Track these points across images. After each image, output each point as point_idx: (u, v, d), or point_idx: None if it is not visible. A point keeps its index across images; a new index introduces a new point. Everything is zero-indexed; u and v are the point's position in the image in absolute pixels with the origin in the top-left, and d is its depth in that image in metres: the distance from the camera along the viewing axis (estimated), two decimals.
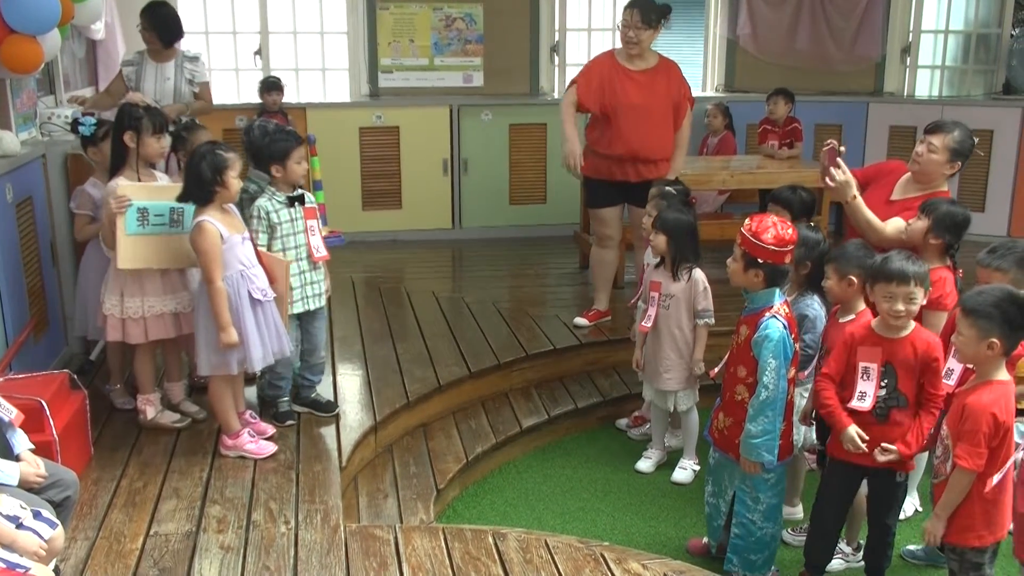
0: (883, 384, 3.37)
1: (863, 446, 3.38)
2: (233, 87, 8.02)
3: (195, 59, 5.75)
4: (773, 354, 3.43)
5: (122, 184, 3.93)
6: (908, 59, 8.45)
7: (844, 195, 4.02)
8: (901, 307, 3.28)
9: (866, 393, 3.38)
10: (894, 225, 4.01)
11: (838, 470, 3.57)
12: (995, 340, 2.98)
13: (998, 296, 3.02)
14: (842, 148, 4.13)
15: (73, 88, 6.34)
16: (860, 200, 4.02)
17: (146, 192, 3.94)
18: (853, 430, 3.38)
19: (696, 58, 8.62)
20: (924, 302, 3.33)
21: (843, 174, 4.02)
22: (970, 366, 3.19)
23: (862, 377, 3.40)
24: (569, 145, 5.44)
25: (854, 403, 3.40)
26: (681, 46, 8.36)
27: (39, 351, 4.50)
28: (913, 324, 3.35)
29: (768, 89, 7.63)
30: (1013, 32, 8.14)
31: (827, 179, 4.03)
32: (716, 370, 3.88)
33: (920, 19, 8.38)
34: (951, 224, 3.77)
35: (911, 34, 8.41)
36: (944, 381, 3.33)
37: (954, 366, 3.49)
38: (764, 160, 7.07)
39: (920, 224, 3.81)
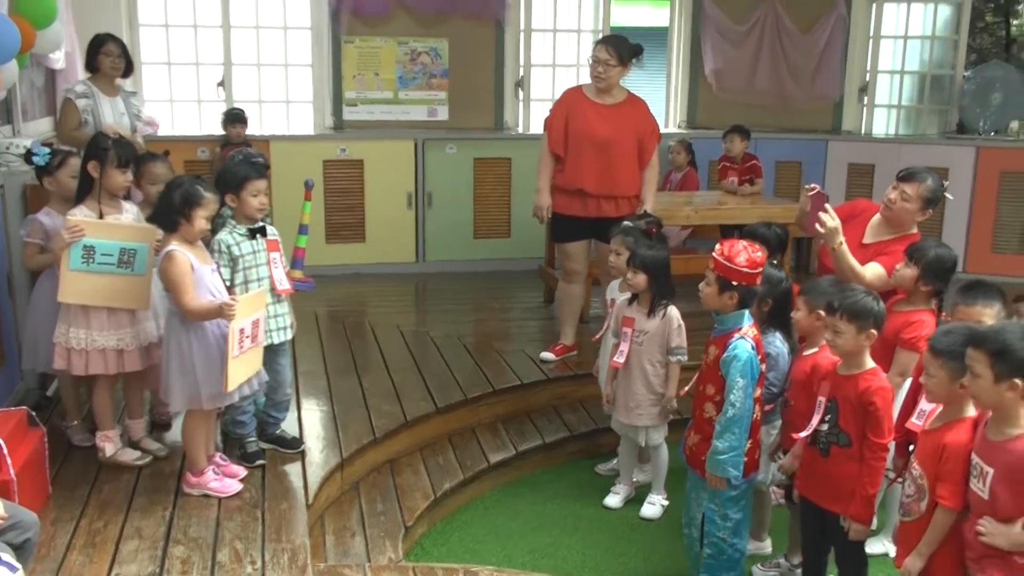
0: (825, 419, 3.41)
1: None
2: (195, 118, 7.94)
3: (134, 93, 5.73)
4: (741, 373, 3.51)
5: (77, 215, 3.87)
6: (865, 98, 8.61)
7: (832, 241, 4.03)
8: (828, 335, 3.38)
9: (812, 424, 3.45)
10: (873, 271, 4.06)
11: (803, 504, 3.62)
12: (965, 380, 2.99)
13: (965, 335, 3.04)
14: (827, 193, 4.17)
15: (31, 118, 6.24)
16: (846, 247, 4.04)
17: (103, 229, 3.87)
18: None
19: (658, 95, 8.71)
20: (860, 339, 3.33)
21: (832, 220, 4.03)
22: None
23: (816, 410, 3.47)
24: (539, 197, 5.50)
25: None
26: (642, 84, 8.45)
27: None
28: (869, 364, 3.38)
29: (730, 126, 7.74)
30: (966, 73, 8.33)
31: (816, 225, 4.04)
32: (685, 390, 4.01)
33: (877, 59, 8.58)
34: (939, 270, 3.81)
35: (868, 74, 8.59)
36: (914, 421, 3.33)
37: (925, 407, 3.51)
38: (726, 196, 7.14)
39: (909, 272, 3.83)
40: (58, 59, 6.34)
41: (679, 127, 8.61)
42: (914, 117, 8.73)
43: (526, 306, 6.96)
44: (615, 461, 4.88)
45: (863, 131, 8.63)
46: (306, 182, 4.67)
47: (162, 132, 7.34)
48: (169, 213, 3.66)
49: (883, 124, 8.76)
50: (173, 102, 7.91)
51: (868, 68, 8.59)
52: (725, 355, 3.55)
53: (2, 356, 4.51)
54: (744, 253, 3.52)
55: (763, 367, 3.62)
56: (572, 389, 5.45)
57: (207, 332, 3.70)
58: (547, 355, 5.64)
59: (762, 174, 7.29)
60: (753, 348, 3.54)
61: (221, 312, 3.62)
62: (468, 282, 7.59)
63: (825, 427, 3.42)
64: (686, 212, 6.63)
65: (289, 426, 4.44)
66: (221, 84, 7.87)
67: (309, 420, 4.66)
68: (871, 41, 8.56)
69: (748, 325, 3.60)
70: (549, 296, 6.87)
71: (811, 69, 8.43)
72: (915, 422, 3.31)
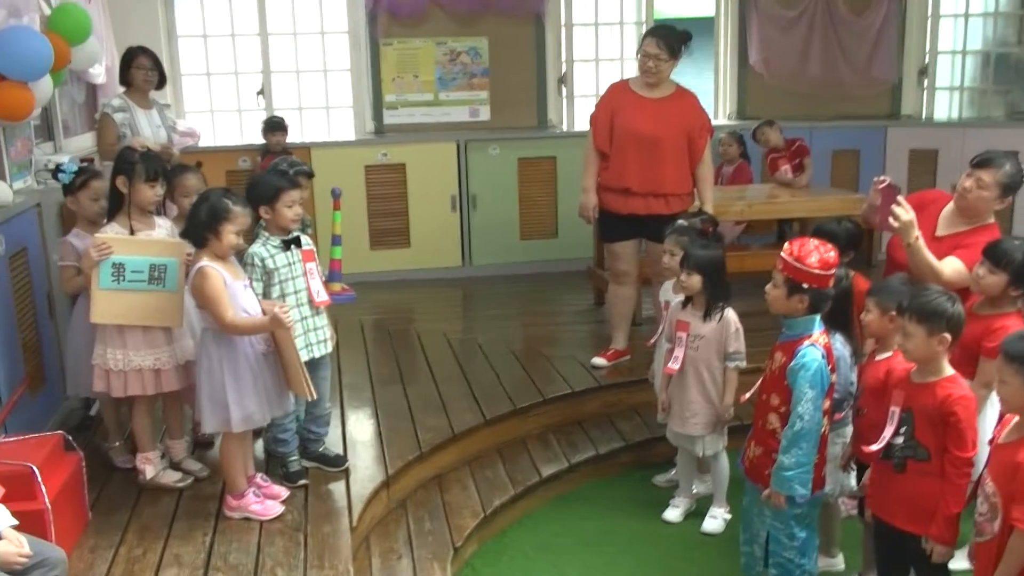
0: (900, 431, 3.16)
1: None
2: (236, 128, 7.86)
3: (168, 106, 5.65)
4: (810, 383, 3.28)
5: (108, 232, 3.76)
6: (925, 81, 8.27)
7: (908, 236, 3.77)
8: (898, 339, 3.15)
9: (884, 436, 3.19)
10: (952, 267, 3.79)
11: (876, 523, 3.38)
12: None
13: None
14: (898, 186, 3.91)
15: (73, 133, 6.19)
16: (922, 241, 3.78)
17: (131, 245, 3.77)
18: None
19: (706, 86, 8.44)
20: (931, 344, 3.08)
21: (907, 213, 3.76)
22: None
23: (888, 420, 3.21)
24: (585, 197, 5.31)
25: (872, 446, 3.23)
26: (689, 76, 8.20)
27: (36, 408, 4.30)
28: (948, 371, 3.13)
29: (782, 116, 7.47)
30: None
31: (889, 219, 3.78)
32: (746, 396, 3.74)
33: (936, 39, 8.22)
34: None
35: (927, 55, 8.24)
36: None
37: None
38: (779, 188, 6.88)
39: (995, 279, 3.54)
40: (98, 74, 6.29)
41: (729, 118, 8.34)
42: (978, 99, 8.36)
43: (575, 309, 6.76)
44: (673, 472, 4.67)
45: (924, 115, 8.28)
46: (333, 191, 4.52)
47: (203, 143, 7.30)
48: (197, 228, 3.54)
49: (945, 107, 8.41)
50: (213, 112, 7.84)
51: (927, 49, 8.23)
52: (793, 363, 3.32)
53: (42, 379, 4.44)
54: (815, 253, 3.29)
55: (833, 377, 3.39)
56: (625, 396, 5.24)
57: (238, 352, 3.57)
58: (598, 360, 5.44)
59: (809, 152, 7.02)
60: (823, 357, 3.31)
61: (275, 323, 3.48)
62: (515, 285, 7.41)
63: (900, 440, 3.16)
64: (739, 207, 6.38)
65: (333, 442, 4.31)
66: (261, 92, 7.79)
67: (353, 435, 4.52)
68: (929, 20, 8.19)
69: (819, 332, 3.37)
70: (599, 298, 6.68)
71: (866, 52, 8.09)
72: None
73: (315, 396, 3.71)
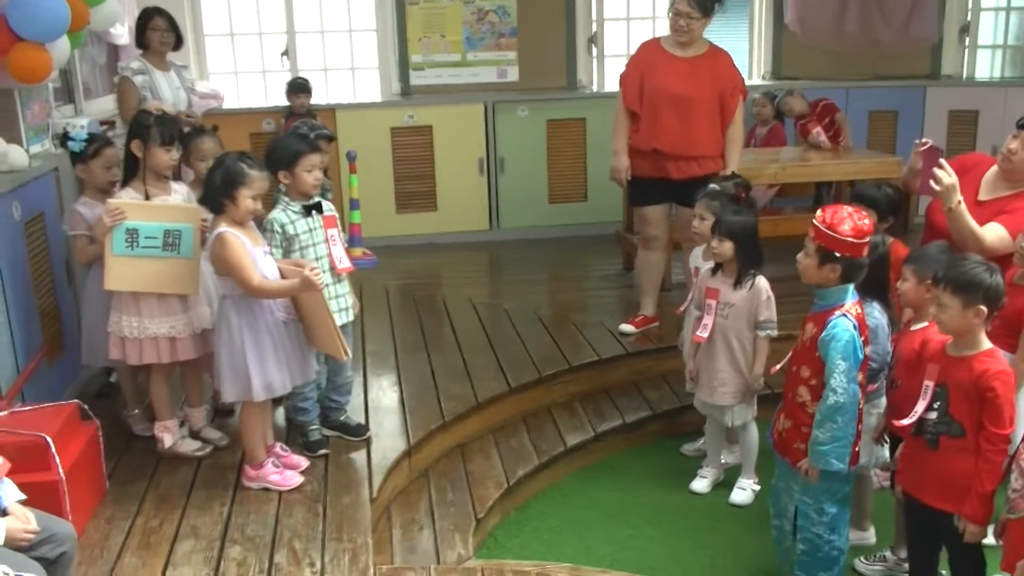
0: (934, 406, 3.02)
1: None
2: (260, 89, 7.76)
3: (185, 67, 5.58)
4: (842, 355, 3.16)
5: (123, 197, 3.69)
6: (967, 39, 7.99)
7: (949, 200, 3.61)
8: (933, 310, 3.01)
9: (916, 411, 3.06)
10: (995, 233, 3.63)
11: (907, 500, 3.27)
12: None
13: None
14: (940, 147, 3.74)
15: (94, 96, 6.13)
16: (964, 206, 3.63)
17: (145, 211, 3.69)
18: None
19: (740, 45, 8.22)
20: (967, 316, 2.93)
21: (948, 176, 3.61)
22: None
23: (922, 395, 3.08)
24: (616, 159, 5.17)
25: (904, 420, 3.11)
26: (723, 35, 7.99)
27: (54, 377, 4.25)
28: (985, 345, 2.99)
29: (818, 76, 7.26)
30: None
31: (931, 183, 3.63)
32: (777, 368, 3.62)
33: None
34: None
35: (970, 12, 7.95)
36: None
37: None
38: (813, 151, 6.68)
39: None
40: (120, 34, 6.20)
41: (763, 79, 8.11)
42: (1021, 58, 8.07)
43: (604, 274, 6.63)
44: (702, 441, 4.56)
45: (964, 75, 8.01)
46: (348, 154, 4.41)
47: (227, 104, 7.22)
48: (213, 194, 3.45)
49: (987, 67, 8.12)
50: (237, 74, 7.73)
51: (969, 6, 7.95)
52: (823, 335, 3.19)
53: (61, 347, 4.39)
54: (849, 221, 3.14)
55: (866, 349, 3.25)
56: (653, 363, 5.13)
57: (259, 320, 3.50)
58: (627, 327, 5.32)
59: (838, 108, 6.81)
60: (856, 328, 3.17)
61: (306, 285, 3.39)
62: (543, 249, 7.29)
63: (933, 415, 3.03)
64: (772, 170, 6.21)
65: (355, 411, 4.24)
66: (285, 53, 7.67)
67: (376, 404, 4.44)
68: None
69: (852, 302, 3.22)
70: (628, 263, 6.55)
71: (905, 10, 7.79)
72: None
73: (350, 355, 3.63)
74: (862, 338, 3.22)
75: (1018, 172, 3.78)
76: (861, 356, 3.21)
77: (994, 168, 3.90)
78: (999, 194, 3.83)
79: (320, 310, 3.49)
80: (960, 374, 2.98)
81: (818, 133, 6.70)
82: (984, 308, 2.92)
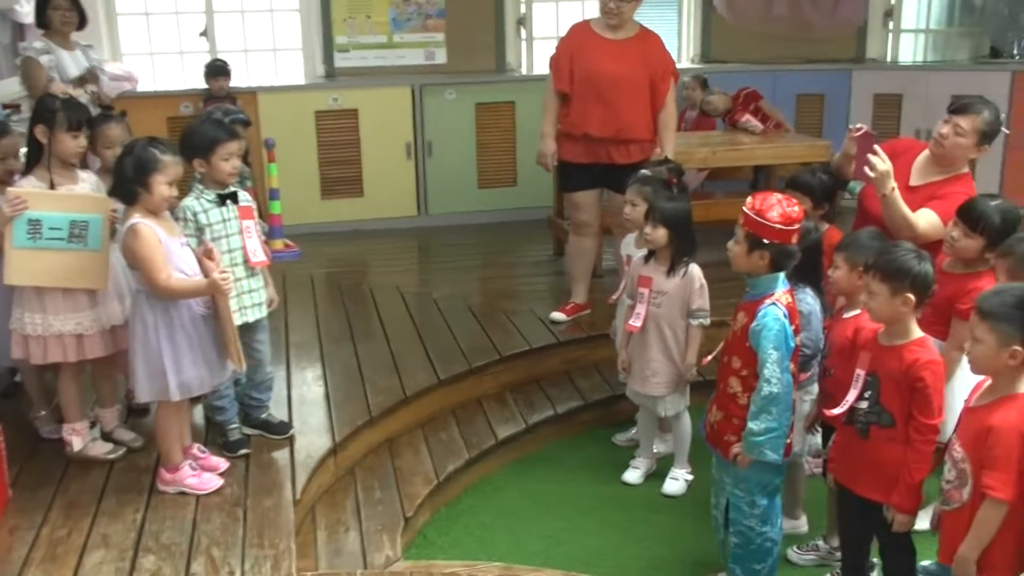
0: (865, 395, 3.00)
1: None
2: (178, 71, 7.48)
3: (91, 46, 5.31)
4: (774, 345, 3.10)
5: (25, 186, 3.47)
6: (891, 23, 8.05)
7: (883, 187, 3.58)
8: (863, 297, 3.00)
9: (848, 400, 3.04)
10: (927, 220, 3.62)
11: (839, 490, 3.24)
12: (1018, 348, 2.57)
13: (1019, 295, 2.61)
14: (874, 132, 3.71)
15: None
16: (898, 193, 3.60)
17: (49, 200, 3.47)
18: None
19: (669, 28, 8.16)
20: (895, 304, 2.91)
21: (883, 163, 3.58)
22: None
23: (853, 384, 3.05)
24: (543, 143, 5.07)
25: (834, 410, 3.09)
26: (651, 16, 7.92)
27: None
28: (916, 334, 2.96)
29: (747, 59, 7.24)
30: None
31: (865, 169, 3.60)
32: (709, 358, 3.57)
33: None
34: (1008, 234, 3.30)
35: None
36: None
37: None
38: (745, 135, 6.66)
39: (972, 243, 3.36)
40: (27, 12, 5.90)
41: (692, 62, 8.07)
42: (942, 42, 8.16)
43: (534, 260, 6.54)
44: (634, 431, 4.50)
45: (889, 59, 8.08)
46: (266, 142, 4.23)
47: (142, 87, 6.93)
48: (124, 184, 3.26)
49: (910, 51, 8.20)
50: (153, 55, 7.44)
51: None
52: (754, 324, 3.13)
53: None
54: (778, 207, 3.08)
55: (799, 337, 3.20)
56: (585, 352, 5.05)
57: (175, 315, 3.31)
58: (557, 315, 5.24)
59: (761, 96, 6.78)
60: (786, 316, 3.12)
61: (213, 288, 3.24)
62: (473, 235, 7.16)
63: (864, 404, 3.01)
64: (703, 154, 6.15)
65: (278, 406, 4.08)
66: (204, 34, 7.39)
67: (299, 399, 4.29)
68: None
69: (782, 291, 3.16)
70: (559, 248, 6.46)
71: None
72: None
73: (243, 368, 3.47)
74: (793, 327, 3.17)
75: (949, 157, 3.77)
76: (793, 345, 3.16)
77: (925, 153, 3.89)
78: (930, 179, 3.82)
79: (223, 313, 3.34)
80: (890, 363, 2.95)
81: (747, 120, 6.67)
82: (912, 296, 2.89)
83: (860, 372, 3.04)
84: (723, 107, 6.81)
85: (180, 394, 3.37)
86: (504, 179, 7.56)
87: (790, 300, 3.20)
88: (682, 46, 8.19)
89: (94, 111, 4.22)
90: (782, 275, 3.19)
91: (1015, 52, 7.59)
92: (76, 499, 3.44)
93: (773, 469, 3.28)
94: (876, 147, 3.60)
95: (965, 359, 3.30)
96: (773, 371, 3.09)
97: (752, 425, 3.17)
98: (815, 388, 3.54)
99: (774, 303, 3.14)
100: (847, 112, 7.65)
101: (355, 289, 5.90)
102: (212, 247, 3.40)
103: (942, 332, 3.43)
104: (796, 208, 3.13)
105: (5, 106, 5.06)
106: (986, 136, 3.72)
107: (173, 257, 3.31)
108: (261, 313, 3.73)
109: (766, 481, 3.30)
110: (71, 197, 3.54)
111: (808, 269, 3.45)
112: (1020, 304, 2.56)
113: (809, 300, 3.48)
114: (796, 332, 3.20)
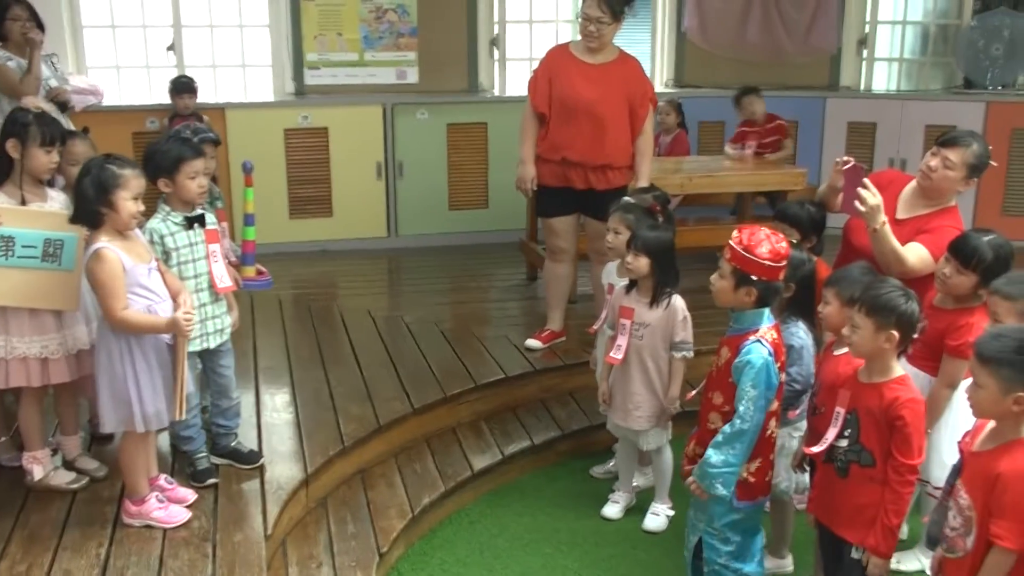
0: (845, 433, 2.95)
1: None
2: (144, 86, 7.31)
3: (54, 55, 5.17)
4: (753, 382, 3.04)
5: None
6: (865, 51, 8.09)
7: (874, 220, 3.53)
8: (847, 330, 2.93)
9: (827, 438, 2.98)
10: (917, 254, 3.58)
11: (819, 529, 3.18)
12: (1022, 394, 2.51)
13: (1019, 340, 2.55)
14: (864, 165, 3.67)
15: None
16: (888, 228, 3.56)
17: (24, 217, 3.33)
18: None
19: (642, 50, 8.13)
20: (878, 340, 2.86)
21: (874, 197, 3.53)
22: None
23: (833, 421, 3.00)
24: (523, 168, 4.99)
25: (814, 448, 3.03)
26: (623, 38, 7.89)
27: None
28: (896, 372, 2.92)
29: (721, 84, 7.21)
30: (972, 23, 7.80)
31: (856, 203, 3.54)
32: (693, 393, 3.50)
33: (877, 9, 8.04)
34: (1002, 271, 3.26)
35: (868, 25, 8.05)
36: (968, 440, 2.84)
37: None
38: (728, 161, 6.64)
39: (965, 280, 3.31)
40: None
41: (666, 86, 8.05)
42: (916, 71, 8.22)
43: (507, 284, 6.44)
44: (612, 463, 4.42)
45: (862, 87, 8.11)
46: (244, 165, 4.10)
47: (107, 101, 6.75)
48: (87, 206, 3.12)
49: (884, 79, 8.25)
50: (119, 68, 7.27)
51: (868, 19, 8.04)
52: (737, 360, 3.07)
53: None
54: (767, 243, 3.02)
55: (782, 376, 3.15)
56: (561, 380, 4.96)
57: (141, 341, 3.18)
58: (533, 342, 5.14)
59: (788, 134, 6.76)
60: (771, 355, 3.06)
61: (173, 327, 3.12)
62: (444, 257, 7.05)
63: (844, 443, 2.95)
64: (678, 180, 6.09)
65: (246, 434, 3.94)
66: (171, 48, 7.24)
67: (269, 427, 4.15)
68: None
69: (767, 326, 3.11)
70: (532, 272, 6.38)
71: (806, 21, 7.84)
72: (968, 442, 2.82)
73: (182, 417, 3.31)
74: (778, 363, 3.11)
75: (937, 189, 3.74)
76: (776, 382, 3.11)
77: (911, 185, 3.86)
78: (918, 212, 3.78)
79: (178, 355, 3.21)
80: (870, 401, 2.90)
81: (750, 147, 6.61)
82: (896, 333, 2.84)
83: (840, 410, 2.99)
84: (759, 113, 6.78)
85: (145, 425, 3.23)
86: (476, 201, 7.47)
87: (775, 336, 3.14)
88: (655, 69, 8.17)
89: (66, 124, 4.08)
90: (767, 311, 3.13)
91: (987, 83, 7.65)
92: (36, 532, 3.29)
93: (750, 508, 3.23)
94: (866, 180, 3.55)
95: (955, 397, 3.29)
96: (747, 408, 3.04)
97: (711, 454, 3.11)
98: (803, 425, 3.47)
99: (759, 340, 3.08)
100: (821, 139, 7.66)
101: (325, 311, 5.77)
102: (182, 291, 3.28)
103: (932, 368, 3.38)
104: (784, 244, 3.08)
105: None
106: (975, 169, 3.69)
107: (139, 282, 3.17)
108: (224, 337, 3.61)
109: (738, 520, 3.23)
110: (46, 214, 3.40)
111: (801, 302, 3.40)
112: (1021, 349, 2.50)
113: (801, 334, 3.42)
114: (781, 369, 3.14)
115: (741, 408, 3.06)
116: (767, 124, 6.79)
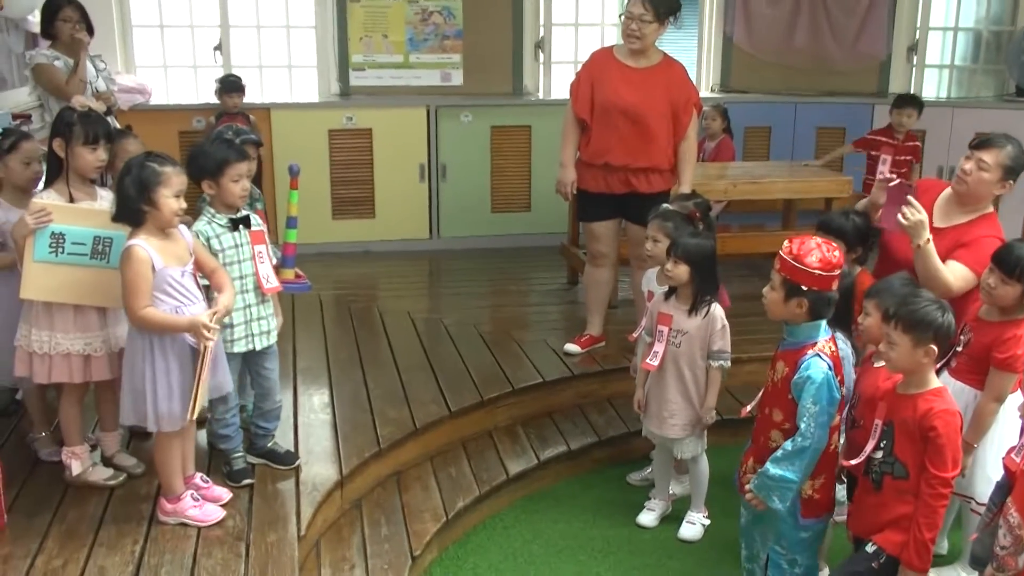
0: (881, 445, 2.89)
1: None
2: (191, 85, 7.39)
3: (99, 56, 5.23)
4: (814, 399, 2.98)
5: (43, 199, 3.36)
6: (915, 58, 7.96)
7: (918, 237, 3.47)
8: (883, 346, 2.88)
9: (866, 450, 2.94)
10: (958, 275, 3.50)
11: (856, 543, 3.12)
12: None
13: None
14: (911, 183, 3.61)
15: (9, 87, 5.74)
16: (932, 245, 3.49)
17: (72, 214, 3.36)
18: None
19: (688, 56, 8.08)
20: (917, 355, 2.80)
21: (917, 213, 3.47)
22: None
23: (872, 433, 2.95)
24: (563, 172, 4.96)
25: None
26: (670, 44, 7.83)
27: None
28: (933, 384, 2.86)
29: (767, 89, 7.11)
30: None
31: (899, 217, 3.48)
32: (748, 408, 3.40)
33: (928, 15, 7.90)
34: None
35: (918, 31, 7.92)
36: (1013, 457, 2.76)
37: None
38: (771, 168, 6.54)
39: (1010, 290, 3.23)
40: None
41: (712, 91, 7.98)
42: (967, 78, 8.07)
43: (547, 288, 6.41)
44: (648, 470, 4.38)
45: (912, 94, 7.96)
46: (290, 168, 4.10)
47: (155, 100, 6.87)
48: (129, 206, 3.13)
49: (934, 86, 8.11)
50: (167, 68, 7.36)
51: (918, 25, 7.91)
52: (797, 376, 3.00)
53: None
54: (817, 252, 2.95)
55: (843, 390, 3.08)
56: (599, 386, 4.93)
57: (166, 342, 3.19)
58: (572, 347, 5.11)
59: (920, 158, 6.51)
60: (831, 368, 2.99)
61: (192, 327, 3.13)
62: (485, 260, 7.05)
63: (879, 454, 2.90)
64: (722, 186, 6.04)
65: (283, 435, 3.95)
66: (218, 48, 7.31)
67: (306, 427, 4.16)
68: None
69: (824, 339, 3.04)
70: (572, 277, 6.35)
71: (855, 27, 7.75)
72: (1013, 458, 2.75)
73: (192, 420, 3.30)
74: (839, 377, 3.05)
75: (973, 194, 3.67)
76: (838, 397, 3.04)
77: (947, 192, 3.79)
78: (955, 221, 3.71)
79: (199, 357, 3.20)
80: (904, 412, 2.85)
81: (885, 160, 6.35)
82: (935, 347, 2.79)
83: (878, 421, 2.94)
84: (907, 126, 6.53)
85: (157, 425, 3.24)
86: (518, 204, 7.45)
87: (834, 349, 3.08)
88: (701, 75, 8.10)
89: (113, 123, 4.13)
90: (823, 323, 3.06)
91: None
92: (73, 528, 3.32)
93: (817, 527, 3.19)
94: (910, 198, 3.48)
95: (1002, 412, 3.21)
96: (809, 426, 2.98)
97: (770, 467, 3.05)
98: (841, 438, 3.41)
99: (818, 354, 3.01)
100: None
101: (365, 313, 5.78)
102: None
103: (978, 382, 3.31)
104: (837, 253, 3.01)
105: (15, 116, 4.96)
106: (1010, 171, 3.62)
107: (168, 283, 3.17)
108: (270, 340, 3.62)
109: (809, 538, 3.19)
110: (96, 212, 3.43)
111: (840, 313, 3.33)
112: None
113: (841, 344, 3.36)
114: (841, 383, 3.08)
115: (803, 426, 3.00)
116: (906, 141, 6.52)
